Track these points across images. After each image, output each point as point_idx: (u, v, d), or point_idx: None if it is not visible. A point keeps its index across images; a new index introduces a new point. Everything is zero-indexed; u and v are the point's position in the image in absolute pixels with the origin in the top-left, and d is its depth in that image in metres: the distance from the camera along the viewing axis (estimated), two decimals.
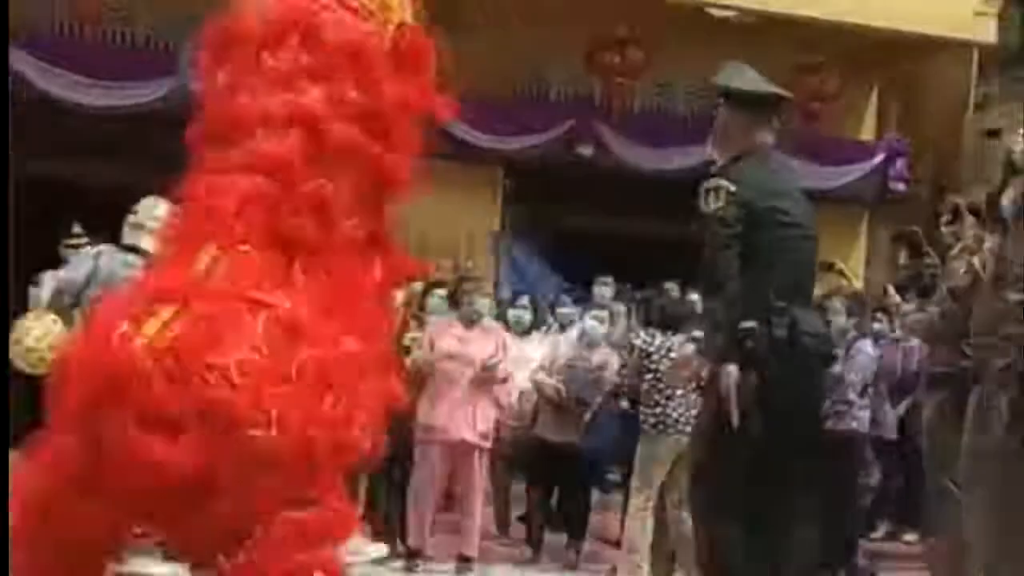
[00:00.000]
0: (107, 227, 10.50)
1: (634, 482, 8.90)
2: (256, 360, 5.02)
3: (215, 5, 5.17)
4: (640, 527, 8.83)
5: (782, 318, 5.31)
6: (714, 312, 5.45)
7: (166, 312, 5.13)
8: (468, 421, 8.96)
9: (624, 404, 9.23)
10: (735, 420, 5.22)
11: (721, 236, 5.34)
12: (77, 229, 10.35)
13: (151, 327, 5.09)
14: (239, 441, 4.94)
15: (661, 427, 8.77)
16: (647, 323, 9.24)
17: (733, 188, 5.37)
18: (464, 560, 9.06)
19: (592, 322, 9.83)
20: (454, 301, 9.71)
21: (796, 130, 14.34)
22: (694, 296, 10.35)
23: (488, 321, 9.41)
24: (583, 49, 13.82)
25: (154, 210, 7.70)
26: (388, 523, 9.26)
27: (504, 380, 9.31)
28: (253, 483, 5.01)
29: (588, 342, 9.78)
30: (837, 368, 9.03)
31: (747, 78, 5.82)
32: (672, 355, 8.66)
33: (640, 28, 13.58)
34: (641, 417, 8.86)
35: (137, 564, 6.26)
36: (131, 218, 7.82)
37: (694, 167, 13.18)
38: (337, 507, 5.29)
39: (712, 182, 5.45)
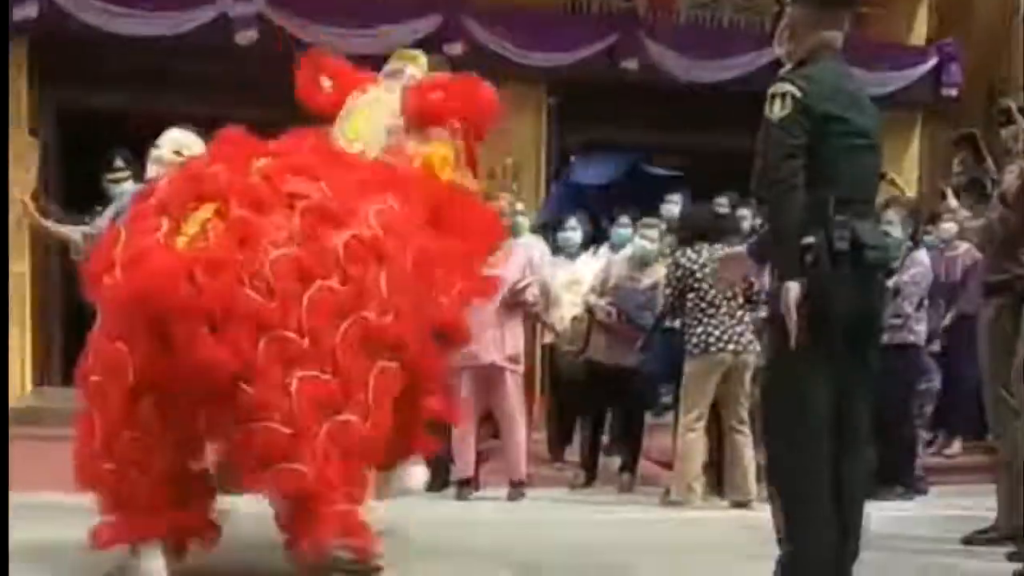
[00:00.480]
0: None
1: (683, 402, 8.86)
2: (294, 254, 5.34)
3: None
4: (691, 446, 8.80)
5: (844, 231, 5.16)
6: (775, 224, 5.30)
7: (205, 211, 5.28)
8: (497, 344, 8.90)
9: (674, 323, 9.11)
10: (794, 339, 5.11)
11: (785, 145, 5.15)
12: (119, 162, 10.27)
13: (191, 226, 5.24)
14: (273, 341, 5.24)
15: (704, 346, 8.72)
16: (689, 239, 9.07)
17: (799, 94, 5.17)
18: (515, 485, 9.04)
19: (642, 241, 9.69)
20: None
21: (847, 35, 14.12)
22: (744, 211, 10.24)
23: (516, 241, 9.24)
24: None
25: (177, 141, 7.58)
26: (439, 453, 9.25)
27: (534, 303, 9.20)
28: (289, 386, 5.25)
29: (639, 262, 9.66)
30: (893, 280, 8.90)
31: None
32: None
33: None
34: (686, 336, 8.80)
35: None
36: (154, 152, 7.66)
37: (741, 78, 13.07)
38: (376, 420, 5.39)
39: (778, 87, 5.23)
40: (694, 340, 8.75)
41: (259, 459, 5.32)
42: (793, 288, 5.10)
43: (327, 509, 5.34)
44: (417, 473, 6.59)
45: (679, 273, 8.84)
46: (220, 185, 5.57)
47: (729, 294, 8.67)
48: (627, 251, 9.92)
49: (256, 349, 5.25)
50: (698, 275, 8.74)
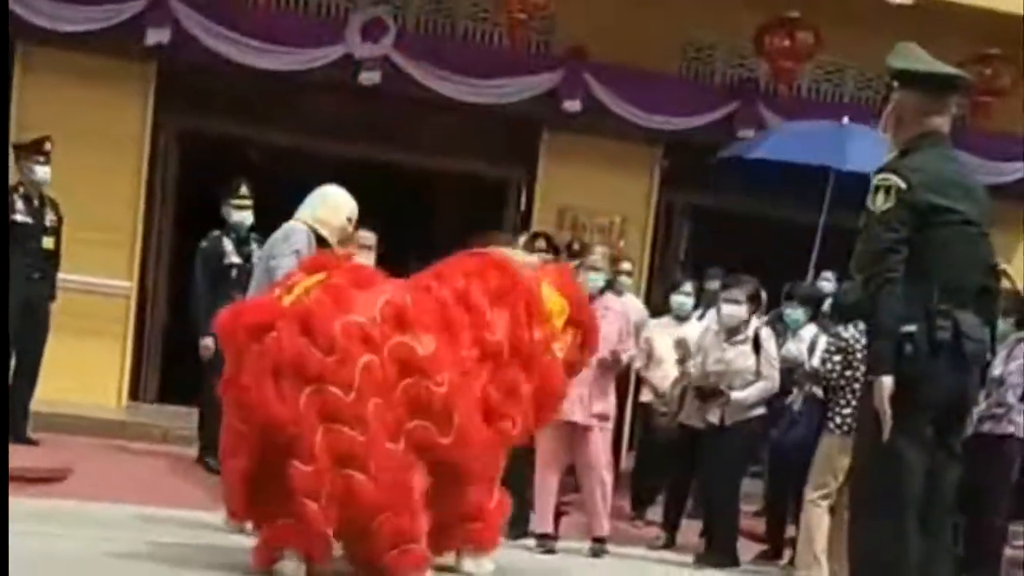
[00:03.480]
0: (265, 188, 10.67)
1: (816, 476, 8.64)
2: (364, 326, 6.17)
3: None
4: (821, 520, 8.60)
5: (946, 321, 5.19)
6: (872, 318, 5.36)
7: (312, 280, 6.37)
8: (583, 402, 8.75)
9: (817, 392, 8.96)
10: (887, 434, 5.16)
11: (885, 240, 5.21)
12: (244, 190, 10.46)
13: (297, 290, 6.30)
14: (322, 395, 5.99)
15: (847, 426, 8.41)
16: (840, 316, 8.80)
17: (904, 185, 5.20)
18: (597, 540, 8.94)
19: (728, 307, 9.62)
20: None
21: (963, 123, 14.04)
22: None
23: (611, 298, 9.14)
24: (752, 31, 13.60)
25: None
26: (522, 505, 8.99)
27: (628, 364, 9.17)
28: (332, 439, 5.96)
29: (726, 329, 9.61)
30: (998, 371, 8.80)
31: (922, 58, 5.56)
32: None
33: (812, 11, 13.32)
34: (831, 414, 8.61)
35: None
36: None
37: None
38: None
39: (883, 178, 5.27)
40: (849, 420, 8.42)
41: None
42: (887, 384, 5.15)
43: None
44: (485, 565, 6.94)
45: (843, 346, 8.61)
46: (329, 263, 6.62)
47: None
48: (715, 319, 9.88)
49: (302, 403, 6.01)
50: (859, 355, 8.45)
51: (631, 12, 13.05)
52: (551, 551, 8.79)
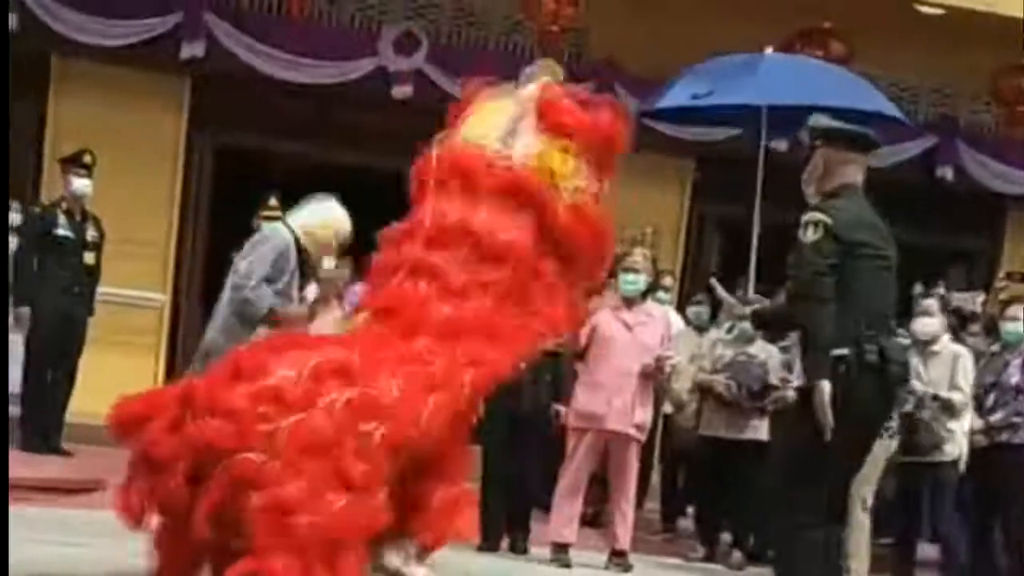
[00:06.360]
0: (297, 201, 10.73)
1: (864, 482, 8.33)
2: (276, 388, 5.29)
3: None
4: (865, 525, 8.53)
5: (873, 345, 5.78)
6: (809, 334, 5.89)
7: None
8: (627, 412, 8.57)
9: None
10: (828, 435, 5.71)
11: (817, 264, 5.78)
12: (274, 202, 10.53)
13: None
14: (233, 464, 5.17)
15: (892, 431, 8.44)
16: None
17: (831, 221, 5.80)
18: (618, 554, 8.70)
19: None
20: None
21: (995, 132, 14.02)
22: None
23: (652, 305, 9.06)
24: (781, 41, 13.56)
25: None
26: (495, 521, 8.62)
27: (668, 373, 9.11)
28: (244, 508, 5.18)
29: (743, 337, 9.63)
30: (1015, 379, 8.78)
31: (840, 121, 6.24)
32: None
33: (843, 21, 13.30)
34: None
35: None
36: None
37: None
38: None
39: (811, 215, 5.87)
40: (894, 424, 8.43)
41: None
42: (826, 389, 5.71)
43: None
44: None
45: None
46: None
47: None
48: (725, 330, 9.90)
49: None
50: None
51: (661, 24, 13.06)
52: (567, 564, 8.54)
